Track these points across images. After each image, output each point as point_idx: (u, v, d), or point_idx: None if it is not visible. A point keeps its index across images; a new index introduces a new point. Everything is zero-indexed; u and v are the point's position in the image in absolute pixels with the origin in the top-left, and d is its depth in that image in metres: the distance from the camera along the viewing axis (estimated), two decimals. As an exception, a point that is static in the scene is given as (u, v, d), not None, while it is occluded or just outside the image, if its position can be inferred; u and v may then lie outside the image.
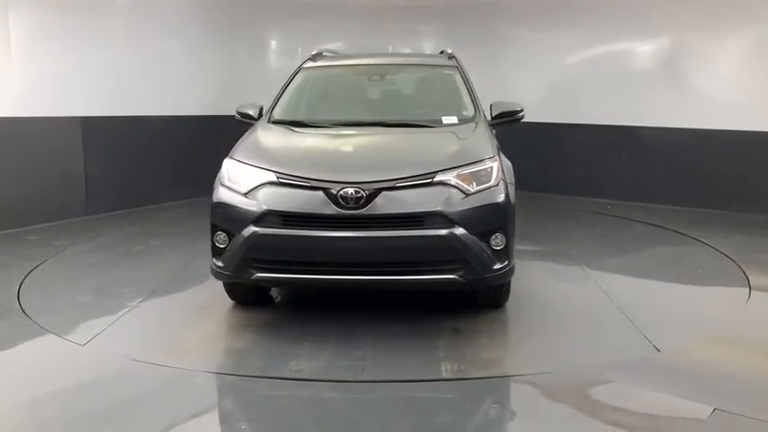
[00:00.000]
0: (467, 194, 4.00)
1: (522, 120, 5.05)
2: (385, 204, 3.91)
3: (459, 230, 3.91)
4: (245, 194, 4.10)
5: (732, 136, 7.75)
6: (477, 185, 4.05)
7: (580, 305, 4.76)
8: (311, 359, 3.81)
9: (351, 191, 3.89)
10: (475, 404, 3.43)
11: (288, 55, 9.59)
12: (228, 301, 4.66)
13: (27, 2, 6.90)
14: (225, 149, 8.77)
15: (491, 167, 4.16)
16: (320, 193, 3.95)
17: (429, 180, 4.00)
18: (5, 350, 4.09)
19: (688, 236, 6.70)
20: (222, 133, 8.86)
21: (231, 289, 4.57)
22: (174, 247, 6.43)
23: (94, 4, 7.59)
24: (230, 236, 4.13)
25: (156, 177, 8.38)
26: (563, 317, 4.52)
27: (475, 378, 3.60)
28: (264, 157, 4.32)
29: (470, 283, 4.07)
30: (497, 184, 4.12)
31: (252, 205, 4.04)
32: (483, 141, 4.47)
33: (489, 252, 4.03)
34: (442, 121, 4.92)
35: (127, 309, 4.66)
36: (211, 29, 9.09)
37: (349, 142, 4.81)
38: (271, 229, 3.97)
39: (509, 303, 4.59)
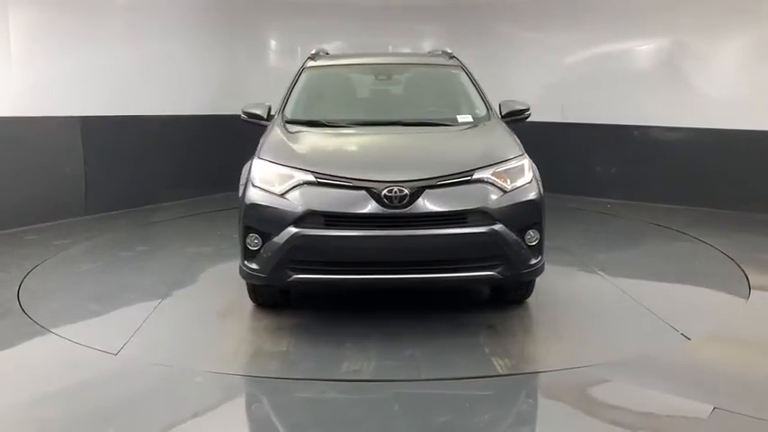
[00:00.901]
0: (504, 192, 4.07)
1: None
2: (428, 202, 3.94)
3: (500, 227, 3.97)
4: (282, 195, 4.02)
5: (733, 135, 7.74)
6: (511, 182, 4.13)
7: (600, 299, 4.86)
8: (361, 360, 3.78)
9: (395, 189, 3.90)
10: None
11: (287, 54, 9.59)
12: (248, 306, 4.58)
13: (27, 1, 6.90)
14: (225, 149, 8.85)
15: (523, 165, 4.27)
16: (363, 192, 3.93)
17: (468, 178, 4.05)
18: (5, 350, 4.08)
19: (689, 235, 6.70)
20: (222, 133, 8.96)
21: (257, 292, 4.47)
22: (171, 249, 6.41)
23: (94, 4, 7.59)
24: (265, 238, 4.04)
25: (156, 177, 8.37)
26: (588, 311, 4.62)
27: (527, 373, 3.66)
28: (296, 157, 4.24)
29: (507, 279, 4.14)
30: (530, 181, 4.22)
31: (291, 206, 3.97)
32: (509, 139, 4.56)
33: (525, 248, 4.10)
34: (457, 120, 4.96)
35: (146, 311, 4.54)
36: (211, 28, 9.09)
37: (378, 141, 4.74)
38: (312, 230, 3.92)
39: (530, 299, 4.66)
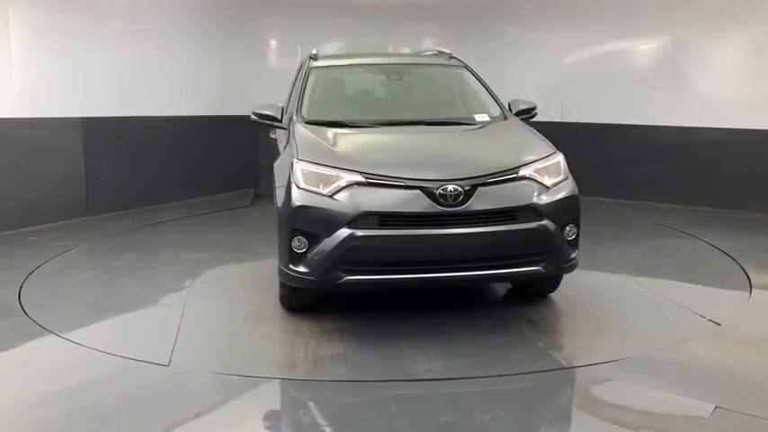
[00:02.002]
0: (547, 188, 4.16)
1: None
2: (481, 200, 3.97)
3: (548, 222, 4.05)
4: (331, 197, 3.98)
5: (733, 134, 7.74)
6: (551, 179, 4.22)
7: (618, 293, 5.00)
8: (424, 359, 3.79)
9: (450, 188, 3.92)
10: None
11: (288, 54, 9.57)
12: (276, 310, 4.54)
13: (27, 2, 6.90)
14: (225, 150, 8.81)
15: (559, 161, 4.37)
16: (417, 191, 3.94)
17: (514, 175, 4.12)
18: (6, 350, 4.09)
19: (689, 234, 6.69)
20: (222, 134, 8.96)
21: (297, 296, 4.41)
22: (172, 251, 6.41)
23: (94, 4, 7.59)
24: (313, 240, 3.99)
25: (157, 178, 8.37)
26: (614, 303, 4.77)
27: (585, 365, 3.73)
28: (338, 158, 4.19)
29: (550, 273, 4.25)
30: (567, 178, 4.32)
31: (343, 207, 3.92)
32: (538, 137, 4.67)
33: (566, 243, 4.20)
34: (475, 119, 5.02)
35: (175, 317, 4.46)
36: (211, 29, 9.08)
37: (414, 141, 4.73)
38: (368, 231, 3.89)
39: (555, 293, 4.76)
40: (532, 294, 4.74)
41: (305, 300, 4.47)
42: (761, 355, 3.94)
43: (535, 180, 4.15)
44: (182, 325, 4.32)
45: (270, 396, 3.56)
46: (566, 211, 4.19)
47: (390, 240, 3.92)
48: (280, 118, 4.99)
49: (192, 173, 8.77)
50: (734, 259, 5.67)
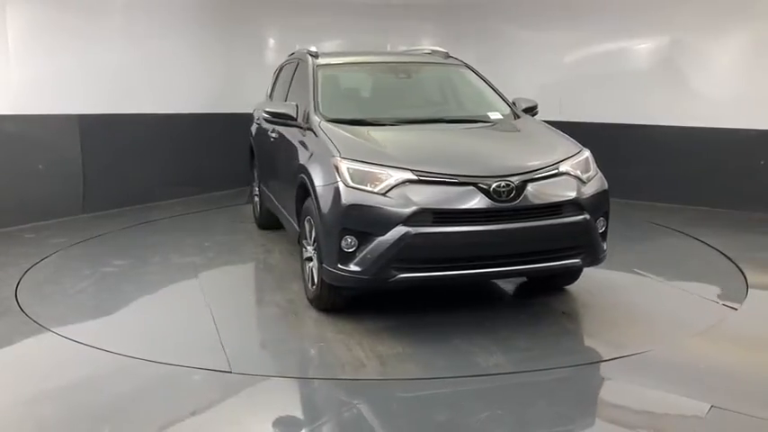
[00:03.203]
0: (584, 183, 4.29)
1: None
2: (531, 195, 4.05)
3: (588, 216, 4.19)
4: (384, 195, 3.95)
5: (732, 134, 7.75)
6: (585, 174, 4.35)
7: (631, 285, 5.19)
8: (487, 354, 3.83)
9: (503, 184, 3.97)
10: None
11: (286, 53, 9.50)
12: (308, 311, 4.50)
13: (24, -1, 6.90)
14: (222, 147, 8.80)
15: (587, 157, 4.51)
16: (471, 188, 3.96)
17: (556, 171, 4.23)
18: (3, 348, 4.09)
19: (686, 234, 6.70)
20: (220, 131, 8.95)
21: (338, 295, 4.37)
22: (171, 251, 6.39)
23: (92, 2, 7.57)
24: (363, 239, 3.96)
25: (154, 175, 8.36)
26: (634, 295, 4.96)
27: (631, 355, 3.84)
28: (384, 156, 4.16)
29: (587, 265, 4.37)
30: (597, 173, 4.47)
31: (397, 205, 3.90)
32: (561, 134, 4.83)
33: (600, 235, 4.35)
34: (489, 116, 5.08)
35: (200, 317, 4.42)
36: (209, 26, 9.06)
37: (451, 138, 4.75)
38: (424, 228, 3.89)
39: (573, 285, 4.91)
40: (551, 287, 4.89)
41: (344, 300, 4.43)
42: (757, 355, 3.95)
43: (574, 175, 4.28)
44: (218, 327, 4.23)
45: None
46: (599, 205, 4.34)
47: (447, 237, 3.93)
48: (295, 116, 4.94)
49: (188, 170, 8.76)
50: (731, 259, 5.68)
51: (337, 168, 4.12)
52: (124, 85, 7.89)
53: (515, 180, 4.02)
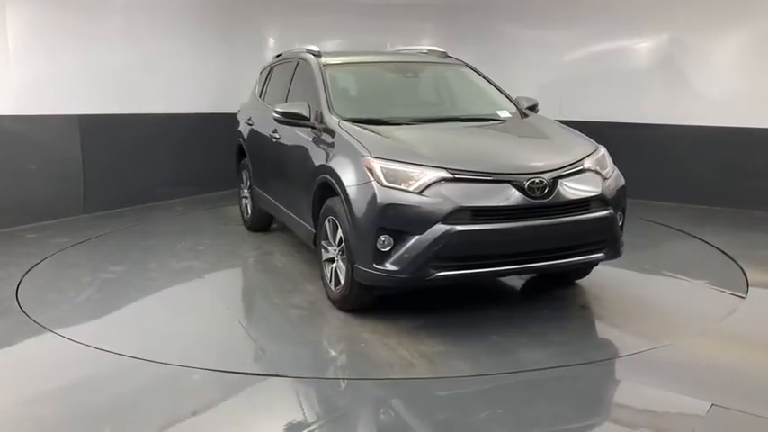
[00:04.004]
0: (605, 178, 4.39)
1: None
2: (563, 191, 4.12)
3: (612, 211, 4.30)
4: (420, 193, 3.96)
5: (729, 132, 7.75)
6: (604, 170, 4.45)
7: (638, 279, 5.27)
8: (528, 350, 3.90)
9: (537, 181, 4.03)
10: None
11: (286, 53, 9.57)
12: (332, 311, 4.48)
13: (24, -1, 6.90)
14: (223, 147, 8.82)
15: (604, 154, 4.61)
16: (506, 185, 4.01)
17: (581, 167, 4.31)
18: (4, 348, 4.09)
19: (685, 232, 6.71)
20: (220, 131, 8.94)
21: (364, 295, 4.33)
22: (170, 248, 6.40)
23: (92, 2, 7.57)
24: (399, 237, 3.96)
25: (155, 175, 8.37)
26: (640, 289, 5.05)
27: (663, 346, 3.96)
28: (415, 154, 4.16)
29: (608, 258, 4.44)
30: (615, 169, 4.57)
31: (435, 203, 3.91)
32: (575, 131, 4.94)
33: (620, 229, 4.47)
34: (498, 115, 5.16)
35: (221, 318, 4.45)
36: (210, 26, 9.07)
37: (476, 136, 4.81)
38: (465, 226, 3.90)
39: (583, 280, 5.05)
40: (561, 282, 5.00)
41: (372, 300, 4.41)
42: (757, 353, 3.95)
43: (596, 171, 4.37)
44: (249, 330, 4.23)
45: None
46: (619, 200, 4.44)
47: (486, 234, 3.96)
48: (309, 116, 4.91)
49: (188, 170, 8.76)
50: (730, 257, 5.68)
51: (370, 168, 4.10)
52: (124, 85, 7.89)
53: (548, 177, 4.08)
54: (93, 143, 7.61)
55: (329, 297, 4.62)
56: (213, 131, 8.93)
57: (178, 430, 3.09)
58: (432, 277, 3.96)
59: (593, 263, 4.60)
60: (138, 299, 4.93)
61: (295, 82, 5.77)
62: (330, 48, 9.44)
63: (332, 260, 4.54)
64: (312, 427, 3.07)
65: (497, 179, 4.02)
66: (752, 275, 5.16)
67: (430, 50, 6.08)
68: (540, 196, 4.02)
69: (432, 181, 3.98)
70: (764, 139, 7.57)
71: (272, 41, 9.94)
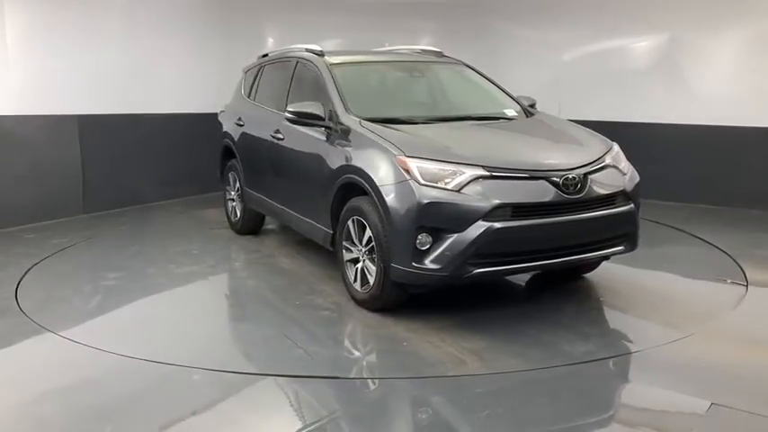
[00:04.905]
0: (624, 174, 4.54)
1: None
2: (593, 187, 4.23)
3: (633, 205, 4.45)
4: (458, 191, 3.98)
5: (728, 132, 7.75)
6: (621, 165, 4.59)
7: (640, 275, 5.33)
8: (570, 342, 3.95)
9: (570, 177, 4.12)
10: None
11: (285, 52, 9.56)
12: (358, 311, 4.46)
13: (23, -1, 6.89)
14: (221, 146, 8.75)
15: (618, 150, 4.73)
16: (542, 181, 4.08)
17: (604, 164, 4.43)
18: (3, 348, 4.08)
19: (684, 231, 6.71)
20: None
21: (396, 294, 4.30)
22: (169, 248, 6.39)
23: (91, 1, 7.56)
24: (439, 235, 3.97)
25: (154, 175, 8.35)
26: (646, 283, 5.16)
27: (691, 335, 4.10)
28: (449, 152, 4.18)
29: (627, 251, 4.57)
30: (629, 165, 4.70)
31: (476, 201, 3.94)
32: (586, 129, 5.05)
33: None
34: (506, 113, 5.24)
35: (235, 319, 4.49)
36: (209, 26, 9.06)
37: (501, 135, 4.89)
38: (505, 223, 3.95)
39: (589, 275, 5.17)
40: (570, 277, 5.08)
41: (404, 299, 4.39)
42: (756, 352, 3.95)
43: (615, 167, 4.49)
44: (286, 333, 4.15)
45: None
46: (637, 194, 4.54)
47: (525, 230, 4.02)
48: (324, 116, 4.86)
49: (189, 170, 8.75)
50: (730, 256, 5.68)
51: (406, 167, 4.09)
52: (124, 85, 7.88)
53: (579, 173, 4.18)
54: (93, 143, 7.60)
55: (354, 298, 4.58)
56: (213, 131, 8.91)
57: (179, 430, 3.09)
58: (470, 274, 4.01)
59: (619, 254, 4.64)
60: (138, 299, 4.92)
61: (295, 82, 5.69)
62: (326, 47, 9.42)
63: (355, 260, 4.51)
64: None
65: (533, 176, 4.09)
66: (751, 274, 5.16)
67: (423, 50, 6.07)
68: (574, 192, 4.12)
69: (469, 179, 4.00)
70: (762, 138, 7.57)
71: (271, 41, 9.93)
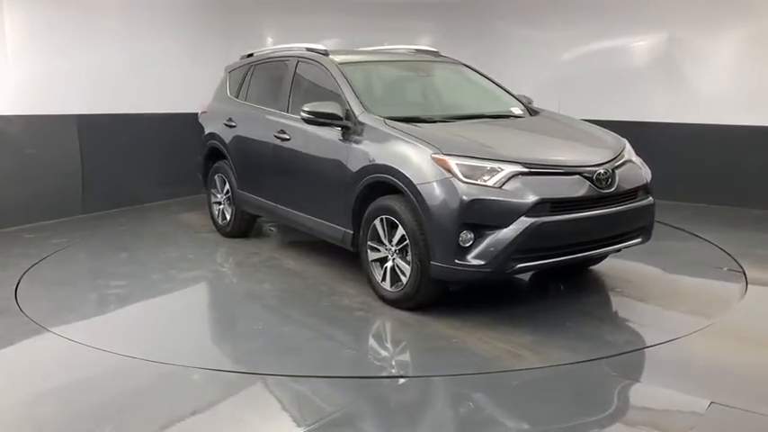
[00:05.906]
0: (641, 168, 4.69)
1: None
2: (621, 181, 4.37)
3: (652, 198, 4.62)
4: (500, 188, 4.02)
5: (728, 131, 7.75)
6: (636, 160, 4.73)
7: (642, 271, 5.41)
8: (609, 334, 4.11)
9: (602, 172, 4.25)
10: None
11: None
12: (385, 309, 4.47)
13: (22, -1, 6.89)
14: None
15: (629, 147, 4.83)
16: (578, 176, 4.19)
17: (624, 159, 4.57)
18: (3, 348, 4.08)
19: (685, 231, 6.71)
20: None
21: (429, 291, 4.31)
22: (169, 247, 6.39)
23: (90, 1, 7.56)
24: (482, 232, 4.00)
25: (154, 175, 8.35)
26: (650, 279, 5.28)
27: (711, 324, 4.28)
28: (485, 150, 4.23)
29: (643, 243, 4.71)
30: (641, 160, 4.81)
31: (518, 197, 4.00)
32: (596, 126, 5.23)
33: None
34: (512, 112, 5.35)
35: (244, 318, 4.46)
36: (208, 26, 9.06)
37: (529, 132, 4.99)
38: (547, 218, 4.03)
39: (594, 269, 5.31)
40: (577, 270, 5.22)
41: (439, 296, 4.42)
42: (756, 351, 3.95)
43: (633, 162, 4.65)
44: (328, 335, 4.13)
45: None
46: (652, 187, 4.68)
47: (564, 225, 4.11)
48: (342, 116, 4.77)
49: (187, 170, 8.73)
50: (730, 255, 5.69)
51: (445, 165, 4.10)
52: (123, 84, 7.89)
53: (608, 168, 4.31)
54: (92, 143, 7.60)
55: (383, 297, 4.55)
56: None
57: (180, 430, 3.08)
58: (512, 269, 4.09)
59: (637, 245, 4.75)
60: (139, 300, 4.92)
61: (297, 82, 5.62)
62: (334, 47, 9.41)
63: (383, 260, 4.51)
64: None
65: (569, 171, 4.19)
66: (751, 273, 5.16)
67: (418, 50, 6.05)
68: (606, 186, 4.24)
69: (509, 175, 4.06)
70: (762, 138, 7.58)
71: (270, 41, 9.93)
